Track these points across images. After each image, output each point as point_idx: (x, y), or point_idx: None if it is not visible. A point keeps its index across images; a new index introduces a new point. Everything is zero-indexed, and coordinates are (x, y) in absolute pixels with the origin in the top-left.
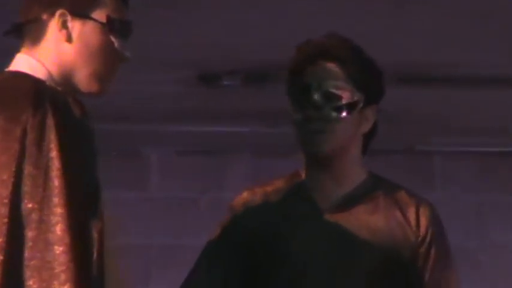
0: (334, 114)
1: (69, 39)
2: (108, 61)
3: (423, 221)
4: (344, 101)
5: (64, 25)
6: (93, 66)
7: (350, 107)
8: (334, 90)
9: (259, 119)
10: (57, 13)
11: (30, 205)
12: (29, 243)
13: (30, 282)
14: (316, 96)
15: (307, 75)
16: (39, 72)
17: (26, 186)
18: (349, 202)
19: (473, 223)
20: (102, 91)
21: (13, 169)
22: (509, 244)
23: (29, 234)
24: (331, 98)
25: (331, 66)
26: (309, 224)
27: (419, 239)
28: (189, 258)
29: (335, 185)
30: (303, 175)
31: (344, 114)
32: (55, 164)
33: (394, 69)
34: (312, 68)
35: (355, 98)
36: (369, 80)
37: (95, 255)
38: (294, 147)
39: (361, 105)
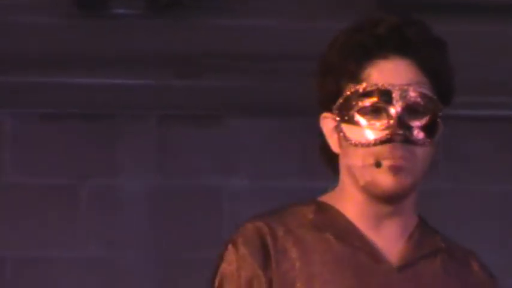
0: (420, 135)
1: None
2: None
3: None
4: (430, 116)
5: None
6: None
7: (436, 124)
8: (420, 101)
9: (169, 66)
10: None
11: None
12: None
13: None
14: (400, 109)
15: (374, 75)
16: None
17: None
18: (417, 258)
19: None
20: None
21: None
22: None
23: None
24: (416, 112)
25: (408, 63)
26: (376, 285)
27: None
28: (60, 278)
29: (394, 232)
30: (346, 211)
31: (431, 135)
32: None
33: None
34: (380, 65)
35: (439, 111)
36: (451, 83)
37: None
38: (224, 107)
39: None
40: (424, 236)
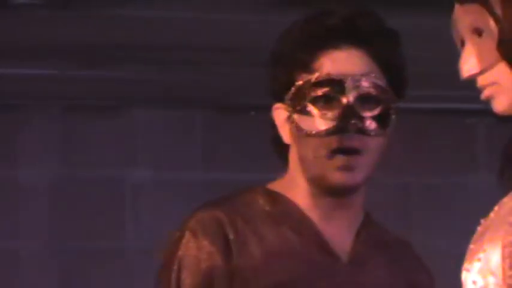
0: (373, 125)
1: None
2: None
3: None
4: (383, 107)
5: None
6: None
7: (389, 115)
8: (373, 91)
9: (73, 56)
10: None
11: None
12: None
13: None
14: (352, 99)
15: (326, 65)
16: None
17: None
18: (366, 253)
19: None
20: None
21: None
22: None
23: None
24: (369, 103)
25: (361, 54)
26: (328, 281)
27: None
28: None
29: (345, 225)
30: (297, 201)
31: (383, 126)
32: None
33: None
34: (333, 55)
35: (392, 102)
36: (404, 74)
37: None
38: (128, 98)
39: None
40: (372, 230)
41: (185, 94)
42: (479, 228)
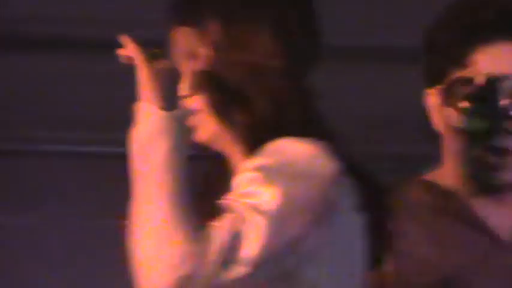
0: None
1: None
2: None
3: None
4: None
5: None
6: None
7: None
8: None
9: None
10: None
11: None
12: None
13: None
14: (508, 102)
15: (480, 62)
16: None
17: None
18: None
19: None
20: None
21: None
22: None
23: None
24: None
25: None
26: (494, 266)
27: None
28: None
29: (506, 213)
30: (456, 191)
31: None
32: None
33: None
34: (486, 50)
35: None
36: None
37: None
38: None
39: None
40: None
41: None
42: None
